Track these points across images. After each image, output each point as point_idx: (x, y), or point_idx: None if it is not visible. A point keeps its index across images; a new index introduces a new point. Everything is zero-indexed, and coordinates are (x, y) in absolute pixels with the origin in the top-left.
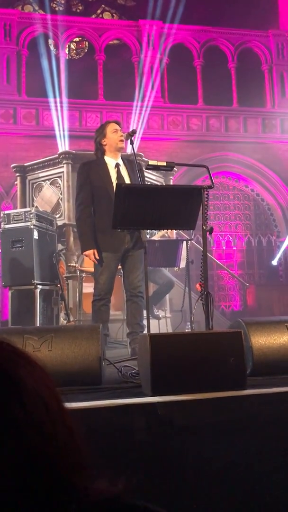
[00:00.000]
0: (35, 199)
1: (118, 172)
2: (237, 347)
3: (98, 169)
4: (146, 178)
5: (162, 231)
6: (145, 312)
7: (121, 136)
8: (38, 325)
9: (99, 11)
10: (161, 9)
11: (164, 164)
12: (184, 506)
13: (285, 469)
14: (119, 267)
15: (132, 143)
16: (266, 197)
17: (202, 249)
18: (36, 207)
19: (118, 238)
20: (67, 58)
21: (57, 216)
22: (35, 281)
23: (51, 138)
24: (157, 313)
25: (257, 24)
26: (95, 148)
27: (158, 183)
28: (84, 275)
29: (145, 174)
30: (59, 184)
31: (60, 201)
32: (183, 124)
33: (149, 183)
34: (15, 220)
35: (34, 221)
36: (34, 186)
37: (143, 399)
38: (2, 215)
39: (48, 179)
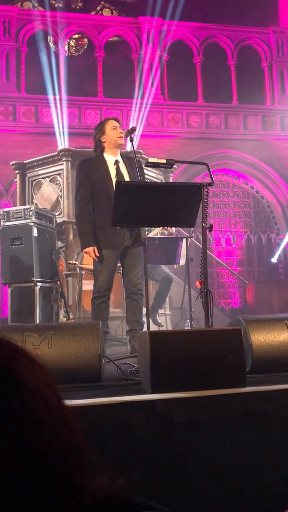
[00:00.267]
0: (34, 196)
1: (118, 169)
2: (237, 345)
3: (97, 166)
4: (145, 176)
5: (158, 228)
6: (144, 309)
7: (120, 133)
8: (37, 322)
9: (98, 8)
10: (161, 6)
11: (164, 161)
12: (183, 503)
13: (285, 466)
14: (119, 264)
15: (131, 140)
16: (266, 195)
17: (201, 246)
18: (36, 204)
19: (117, 235)
20: (67, 55)
21: (57, 213)
22: (34, 279)
23: (51, 135)
24: (160, 321)
25: (257, 21)
26: (94, 145)
27: (158, 181)
28: (83, 272)
29: (145, 171)
30: (59, 181)
31: (59, 198)
32: (182, 121)
33: (148, 180)
34: (14, 218)
35: (33, 219)
36: (34, 184)
37: (143, 396)
38: (1, 212)
39: (48, 177)
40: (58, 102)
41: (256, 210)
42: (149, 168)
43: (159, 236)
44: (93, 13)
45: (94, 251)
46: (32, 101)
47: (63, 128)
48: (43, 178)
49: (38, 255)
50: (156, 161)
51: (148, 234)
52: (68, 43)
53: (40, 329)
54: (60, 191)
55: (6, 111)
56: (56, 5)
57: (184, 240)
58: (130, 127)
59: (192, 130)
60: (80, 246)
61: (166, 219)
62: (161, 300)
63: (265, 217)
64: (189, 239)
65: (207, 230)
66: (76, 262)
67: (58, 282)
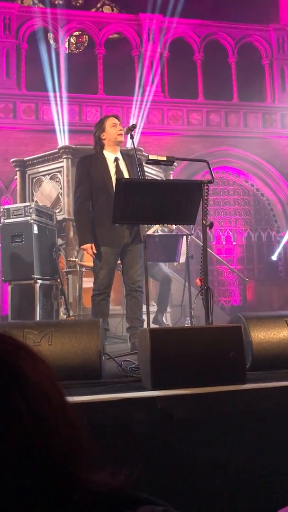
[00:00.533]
0: (34, 193)
1: (117, 166)
2: (237, 342)
3: (97, 163)
4: (146, 173)
5: (156, 225)
6: (144, 306)
7: (120, 130)
8: (38, 319)
9: (99, 5)
10: (161, 3)
11: (165, 158)
12: (183, 499)
13: (285, 462)
14: (119, 262)
15: (132, 137)
16: (266, 192)
17: (202, 244)
18: (36, 201)
19: (117, 232)
20: (67, 52)
21: (57, 210)
22: (35, 276)
23: (51, 132)
24: (167, 323)
25: (258, 18)
26: (94, 142)
27: (158, 178)
28: (84, 269)
29: (145, 168)
30: (59, 178)
31: (60, 195)
32: (183, 118)
33: (149, 178)
34: (15, 215)
35: (34, 216)
36: (34, 181)
37: (143, 393)
38: (2, 209)
39: (48, 174)
40: (58, 99)
41: (256, 208)
42: (149, 166)
43: (159, 233)
44: (93, 10)
45: (91, 248)
46: (32, 98)
47: (63, 125)
48: (43, 175)
49: (38, 253)
50: (156, 158)
51: (147, 231)
52: (69, 40)
53: (40, 326)
54: (61, 188)
55: (6, 108)
56: (56, 2)
57: (184, 237)
58: (131, 124)
59: (193, 128)
60: (78, 242)
61: (166, 216)
62: (164, 302)
63: (265, 215)
64: (189, 236)
65: (208, 228)
66: (76, 260)
67: (58, 280)
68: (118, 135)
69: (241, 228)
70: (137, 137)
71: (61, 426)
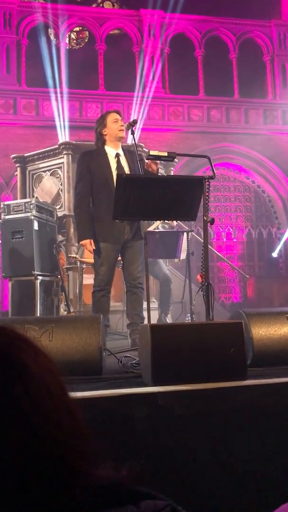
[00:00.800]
0: (35, 190)
1: (118, 162)
2: (238, 338)
3: (98, 159)
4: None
5: (157, 222)
6: (145, 303)
7: (122, 126)
8: (38, 316)
9: (99, 0)
10: None
11: (165, 154)
12: (183, 494)
13: (286, 458)
14: (119, 258)
15: (132, 133)
16: (267, 189)
17: (202, 240)
18: (36, 198)
19: (117, 229)
20: (68, 48)
21: (57, 207)
22: (35, 272)
23: (51, 128)
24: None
25: (259, 14)
26: (96, 138)
27: (159, 174)
28: (84, 266)
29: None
30: (59, 175)
31: (60, 192)
32: (184, 115)
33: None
34: (15, 211)
35: (34, 212)
36: (34, 177)
37: (144, 389)
38: (2, 205)
39: (48, 170)
40: (58, 95)
41: (257, 205)
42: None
43: (160, 230)
44: (94, 5)
45: (90, 244)
46: (33, 94)
47: (63, 121)
48: (44, 171)
49: (38, 249)
50: (157, 154)
51: (148, 227)
52: (69, 36)
53: (41, 321)
54: (61, 184)
55: (7, 104)
56: None
57: (185, 234)
58: (131, 120)
59: (193, 124)
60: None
61: (167, 212)
62: (166, 303)
63: (266, 212)
64: (190, 233)
65: (209, 224)
66: (77, 256)
67: (59, 276)
68: (119, 130)
69: (241, 225)
70: (137, 133)
71: (63, 419)
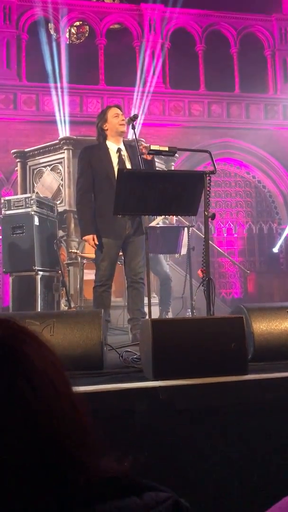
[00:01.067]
0: (35, 185)
1: (120, 157)
2: (239, 333)
3: (99, 154)
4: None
5: (158, 218)
6: (146, 298)
7: (122, 120)
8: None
9: None
10: None
11: (166, 149)
12: (184, 488)
13: (286, 453)
14: (120, 253)
15: (133, 128)
16: (268, 184)
17: (203, 236)
18: (37, 193)
19: (119, 224)
20: (68, 42)
21: (58, 202)
22: (36, 267)
23: (52, 123)
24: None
25: (260, 8)
26: (97, 133)
27: (160, 169)
28: (85, 261)
29: None
30: (60, 170)
31: (60, 187)
32: (184, 109)
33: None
34: (15, 206)
35: (34, 207)
36: (35, 172)
37: (145, 383)
38: (2, 201)
39: (49, 165)
40: (59, 90)
41: (258, 200)
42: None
43: (160, 225)
44: (94, 0)
45: (93, 239)
46: (33, 89)
47: (64, 116)
48: (44, 166)
49: (39, 244)
50: (158, 149)
51: (150, 223)
52: (69, 31)
53: (42, 316)
54: (61, 179)
55: (7, 99)
56: None
57: (186, 229)
58: (132, 114)
59: (194, 119)
60: (80, 234)
61: (168, 207)
62: (167, 302)
63: (267, 207)
64: (190, 228)
65: (209, 219)
66: (78, 251)
67: (59, 271)
68: (120, 125)
69: (242, 220)
70: (138, 128)
71: (66, 411)
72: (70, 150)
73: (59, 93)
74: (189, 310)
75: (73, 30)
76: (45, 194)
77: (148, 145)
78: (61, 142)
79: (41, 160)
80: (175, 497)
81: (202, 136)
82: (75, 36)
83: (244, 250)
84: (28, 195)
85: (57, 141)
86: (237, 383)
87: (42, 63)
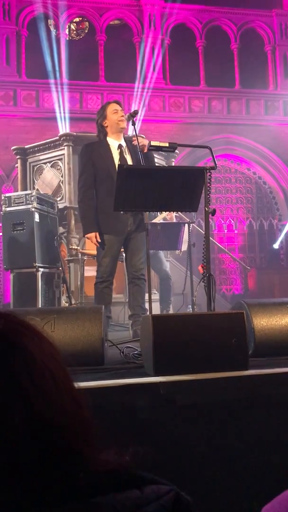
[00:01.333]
0: (36, 181)
1: (121, 154)
2: (239, 328)
3: (100, 150)
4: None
5: (164, 213)
6: (146, 294)
7: (122, 116)
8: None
9: None
10: None
11: (167, 145)
12: (184, 483)
13: (286, 448)
14: (122, 249)
15: (134, 124)
16: (268, 180)
17: (203, 232)
18: (37, 189)
19: (121, 220)
20: (67, 39)
21: (58, 199)
22: (36, 264)
23: (52, 120)
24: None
25: (261, 3)
26: (98, 130)
27: (160, 165)
28: (85, 258)
29: None
30: (60, 166)
31: (61, 183)
32: (184, 106)
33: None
34: (16, 203)
35: (35, 204)
36: (35, 169)
37: (145, 379)
38: (3, 198)
39: (49, 162)
40: (59, 86)
41: (258, 196)
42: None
43: (161, 221)
44: None
45: (96, 237)
46: (33, 85)
47: (64, 112)
48: (45, 163)
49: (39, 241)
50: (158, 145)
51: (153, 220)
52: (69, 27)
53: (43, 313)
54: (62, 176)
55: (7, 96)
56: None
57: (186, 225)
58: (132, 110)
59: (194, 115)
60: (82, 231)
61: (168, 203)
62: (167, 300)
63: (267, 203)
64: (191, 224)
65: (210, 215)
66: (78, 248)
67: (60, 268)
68: (120, 121)
69: (243, 217)
70: (138, 124)
71: (67, 404)
72: (70, 147)
73: (59, 89)
74: (190, 306)
75: (72, 27)
76: (46, 191)
77: (143, 136)
78: (61, 139)
79: (41, 157)
80: (176, 490)
81: (202, 132)
82: (74, 32)
83: (244, 246)
84: (28, 191)
85: (57, 137)
86: (237, 378)
87: (41, 60)
